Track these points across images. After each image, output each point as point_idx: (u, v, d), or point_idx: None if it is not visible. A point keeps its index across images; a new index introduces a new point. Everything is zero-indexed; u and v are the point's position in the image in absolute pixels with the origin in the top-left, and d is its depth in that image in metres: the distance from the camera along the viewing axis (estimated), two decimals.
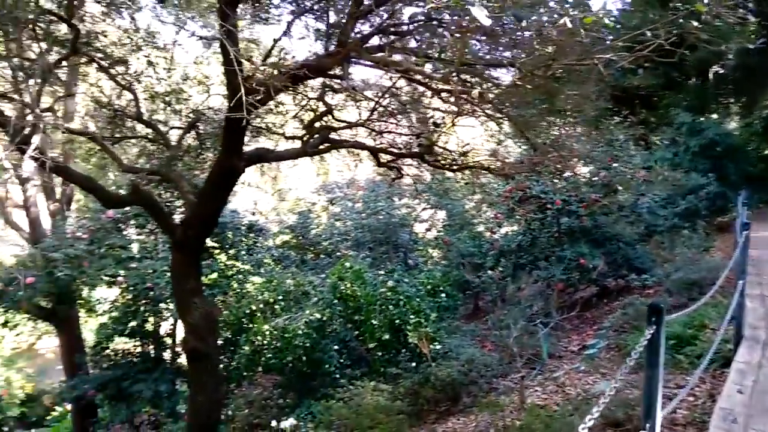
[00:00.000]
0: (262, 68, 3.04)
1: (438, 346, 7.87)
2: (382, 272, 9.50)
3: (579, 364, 7.02)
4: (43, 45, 4.16)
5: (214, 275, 10.38)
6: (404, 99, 4.59)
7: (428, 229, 14.03)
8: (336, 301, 8.65)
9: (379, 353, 8.09)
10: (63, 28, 4.70)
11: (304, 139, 4.50)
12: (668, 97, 20.32)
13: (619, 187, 8.86)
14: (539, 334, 7.54)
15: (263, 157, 4.61)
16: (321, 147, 4.40)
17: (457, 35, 2.74)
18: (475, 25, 2.54)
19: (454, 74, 3.35)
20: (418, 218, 13.65)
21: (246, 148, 4.58)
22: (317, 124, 4.54)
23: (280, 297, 8.78)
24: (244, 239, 11.27)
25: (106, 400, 9.61)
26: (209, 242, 10.98)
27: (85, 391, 9.16)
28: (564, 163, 7.89)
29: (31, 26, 3.42)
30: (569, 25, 3.02)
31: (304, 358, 7.88)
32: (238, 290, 9.95)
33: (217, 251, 10.96)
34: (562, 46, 3.32)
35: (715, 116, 24.37)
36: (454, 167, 4.85)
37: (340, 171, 16.18)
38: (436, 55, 2.82)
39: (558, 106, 5.57)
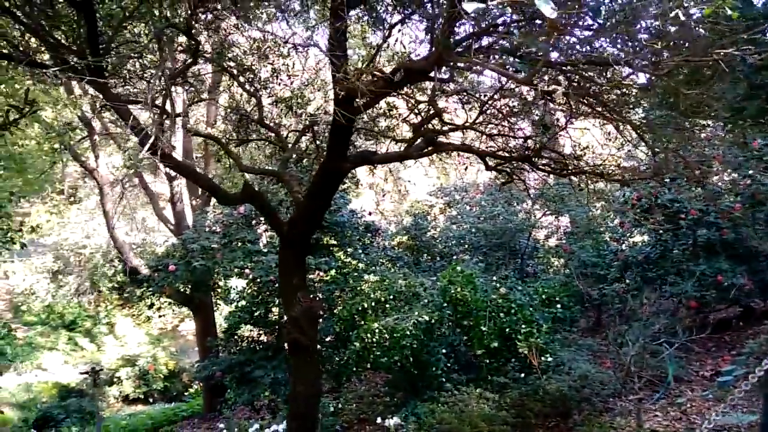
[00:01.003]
0: (361, 73, 3.13)
1: (550, 359, 7.54)
2: (495, 278, 9.29)
3: (709, 391, 6.34)
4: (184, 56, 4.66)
5: (333, 272, 10.87)
6: (515, 101, 4.46)
7: (548, 236, 13.48)
8: (445, 304, 8.63)
9: (487, 360, 7.93)
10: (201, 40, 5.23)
11: (410, 141, 4.56)
12: None
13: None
14: (664, 355, 6.92)
15: (367, 159, 4.74)
16: (426, 150, 4.42)
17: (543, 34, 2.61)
18: (565, 21, 2.40)
19: (542, 74, 3.20)
20: (538, 224, 13.15)
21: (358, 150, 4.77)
22: (426, 127, 4.58)
23: (391, 296, 8.93)
24: (361, 238, 11.64)
25: (233, 382, 10.44)
26: (330, 240, 11.55)
27: (213, 372, 10.02)
28: (693, 170, 7.17)
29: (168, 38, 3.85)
30: (682, 17, 2.75)
31: (412, 358, 7.95)
32: (354, 287, 10.30)
33: (336, 249, 11.44)
34: (678, 42, 3.03)
35: None
36: (565, 172, 4.60)
37: (460, 175, 16.16)
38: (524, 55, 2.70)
39: (682, 106, 5.09)
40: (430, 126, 4.73)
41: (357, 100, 3.35)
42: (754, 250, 8.43)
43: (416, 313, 8.28)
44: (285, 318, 10.84)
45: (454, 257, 11.65)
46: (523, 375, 7.45)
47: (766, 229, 8.26)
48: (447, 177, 20.82)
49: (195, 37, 3.65)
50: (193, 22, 3.45)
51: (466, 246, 12.14)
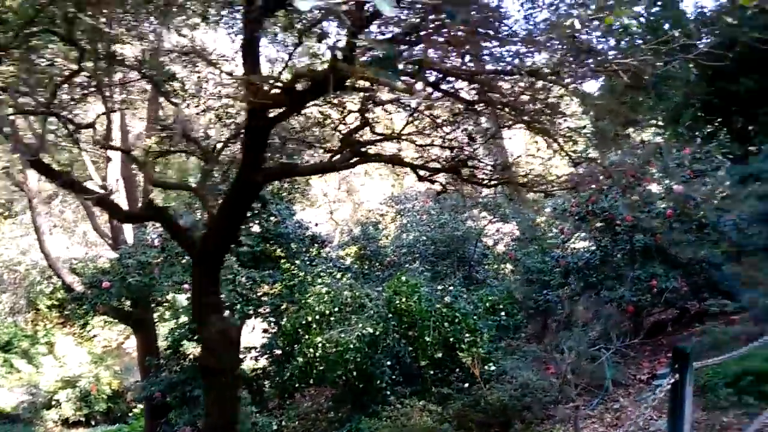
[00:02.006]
0: (262, 84, 3.01)
1: (493, 368, 7.54)
2: (440, 287, 9.27)
3: (646, 395, 6.43)
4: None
5: (278, 285, 10.64)
6: (445, 111, 4.43)
7: (496, 243, 13.60)
8: (391, 315, 8.53)
9: (431, 371, 7.87)
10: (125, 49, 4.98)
11: (336, 152, 4.45)
12: None
13: (698, 204, 8.09)
14: (602, 360, 7.01)
15: (287, 171, 4.60)
16: (352, 161, 4.32)
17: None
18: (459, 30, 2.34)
19: (425, 84, 3.17)
20: (485, 232, 13.25)
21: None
22: (354, 137, 4.48)
23: (337, 309, 8.78)
24: (308, 250, 11.44)
25: (174, 402, 10.02)
26: (276, 252, 11.30)
27: (152, 392, 9.60)
28: (628, 176, 7.35)
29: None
30: (577, 26, 2.74)
31: (356, 372, 7.81)
32: (299, 300, 10.09)
33: (283, 261, 11.20)
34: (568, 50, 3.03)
35: None
36: (492, 183, 4.60)
37: (410, 183, 16.14)
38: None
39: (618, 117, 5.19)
40: (360, 136, 4.65)
41: (270, 110, 3.22)
42: (690, 253, 8.69)
43: (360, 326, 8.15)
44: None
45: (404, 266, 11.58)
46: (466, 385, 7.41)
47: (698, 234, 8.53)
48: (401, 185, 20.82)
49: (77, 42, 3.43)
50: (74, 27, 3.24)
51: (416, 255, 12.10)
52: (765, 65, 16.72)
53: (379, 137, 4.60)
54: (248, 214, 10.88)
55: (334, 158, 4.44)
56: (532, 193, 4.64)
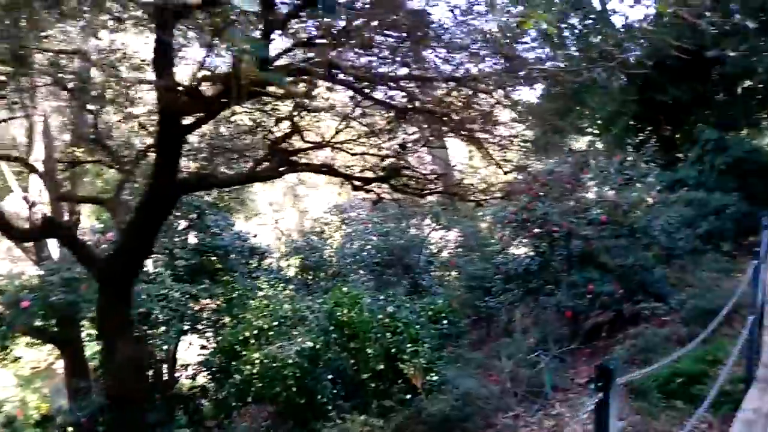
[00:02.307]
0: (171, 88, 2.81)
1: (435, 378, 7.47)
2: (382, 297, 9.15)
3: (583, 399, 6.51)
4: None
5: (218, 299, 10.25)
6: (372, 120, 4.33)
7: (439, 251, 13.64)
8: (332, 327, 8.34)
9: (373, 384, 7.71)
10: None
11: (261, 161, 4.26)
12: (696, 114, 19.58)
13: (629, 209, 8.35)
14: (541, 366, 7.06)
15: (204, 183, 4.37)
16: (280, 170, 4.15)
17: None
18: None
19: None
20: (429, 240, 13.27)
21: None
22: (283, 145, 4.30)
23: (276, 323, 8.50)
24: (247, 262, 11.10)
25: (103, 426, 9.44)
26: (214, 265, 10.88)
27: (78, 418, 9.00)
28: (564, 184, 7.50)
29: None
30: (495, 29, 2.70)
31: (296, 388, 7.56)
32: (237, 315, 9.74)
33: (221, 274, 10.80)
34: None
35: (744, 132, 23.44)
36: (424, 192, 4.53)
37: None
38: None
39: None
40: (292, 144, 4.47)
41: (183, 116, 3.01)
42: (622, 257, 8.94)
43: (300, 340, 7.92)
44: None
45: (349, 276, 11.40)
46: (408, 397, 7.30)
47: (630, 239, 8.79)
48: (347, 194, 20.66)
49: None
50: None
51: (361, 264, 11.95)
52: (689, 76, 17.66)
53: (309, 145, 4.44)
54: (184, 225, 10.45)
55: (259, 167, 4.24)
56: (463, 202, 4.59)
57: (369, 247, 12.01)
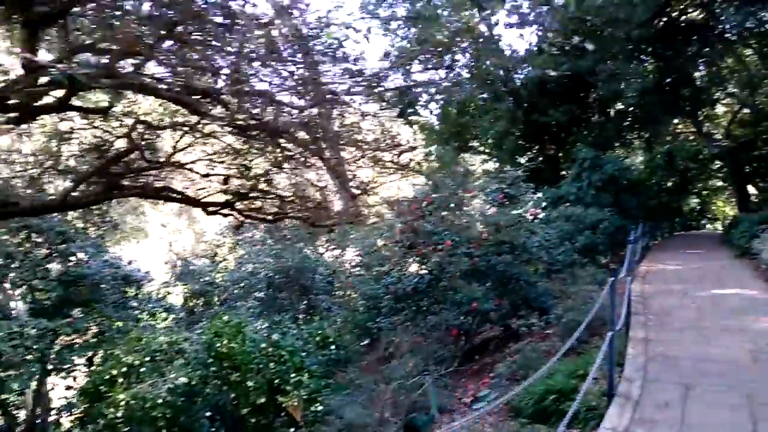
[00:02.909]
0: None
1: (320, 408, 7.14)
2: (265, 324, 8.71)
3: (466, 420, 6.47)
4: None
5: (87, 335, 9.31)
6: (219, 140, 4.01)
7: (334, 271, 13.38)
8: (211, 360, 7.77)
9: (254, 419, 7.24)
10: None
11: (79, 183, 3.78)
12: (575, 134, 21.00)
13: (510, 226, 8.60)
14: (426, 386, 6.97)
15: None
16: (106, 194, 3.70)
17: None
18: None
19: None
20: (323, 261, 12.98)
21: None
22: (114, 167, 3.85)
23: (148, 358, 7.78)
24: (123, 292, 10.20)
25: None
26: (83, 296, 9.87)
27: None
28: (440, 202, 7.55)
29: None
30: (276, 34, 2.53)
31: (167, 429, 6.91)
32: (107, 351, 8.86)
33: (91, 306, 9.82)
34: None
35: (621, 152, 25.51)
36: (274, 218, 4.28)
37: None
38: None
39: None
40: (133, 163, 4.02)
41: None
42: (506, 273, 9.16)
43: (173, 375, 7.29)
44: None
45: (239, 301, 10.80)
46: (291, 431, 6.91)
47: (513, 254, 9.03)
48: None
49: None
50: None
51: (253, 288, 11.38)
52: (568, 99, 18.91)
53: (149, 165, 4.02)
54: (44, 253, 9.46)
55: (76, 192, 3.75)
56: (313, 227, 4.36)
57: (262, 269, 11.48)
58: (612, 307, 4.64)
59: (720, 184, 30.70)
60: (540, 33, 20.88)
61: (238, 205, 3.94)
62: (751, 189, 24.80)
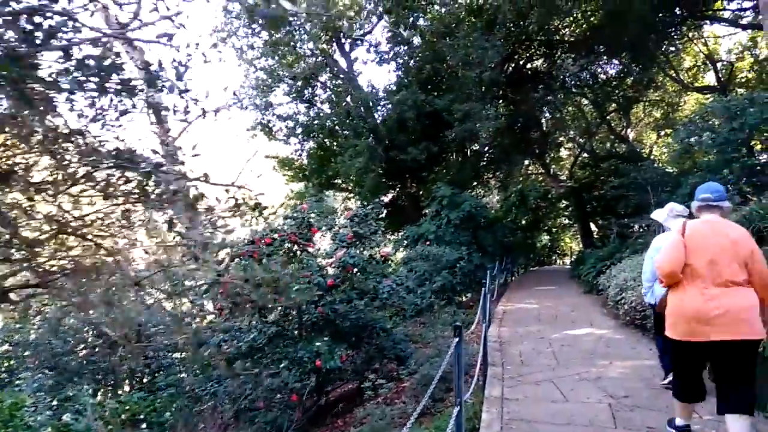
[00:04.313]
0: None
1: None
2: (56, 403, 6.79)
3: None
4: None
5: None
6: None
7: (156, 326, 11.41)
8: None
9: None
10: None
11: None
12: (435, 172, 21.13)
13: (361, 269, 7.67)
14: None
15: None
16: None
17: None
18: None
19: None
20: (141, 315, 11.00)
21: None
22: None
23: None
24: None
25: None
26: None
27: None
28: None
29: None
30: None
31: None
32: None
33: None
34: None
35: (479, 190, 26.38)
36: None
37: None
38: None
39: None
40: None
41: None
42: (358, 322, 8.16)
43: None
44: None
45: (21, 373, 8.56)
46: None
47: (363, 300, 8.08)
48: None
49: None
50: None
51: (43, 355, 9.15)
52: (426, 138, 18.95)
53: None
54: None
55: None
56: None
57: (57, 329, 9.31)
58: (458, 374, 3.74)
59: (567, 221, 33.20)
60: (399, 71, 21.01)
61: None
62: (593, 226, 26.83)
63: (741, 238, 3.42)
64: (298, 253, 7.70)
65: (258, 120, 21.83)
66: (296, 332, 7.95)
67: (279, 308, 7.86)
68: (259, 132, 22.31)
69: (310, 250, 7.95)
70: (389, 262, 8.09)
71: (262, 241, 7.36)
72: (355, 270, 7.55)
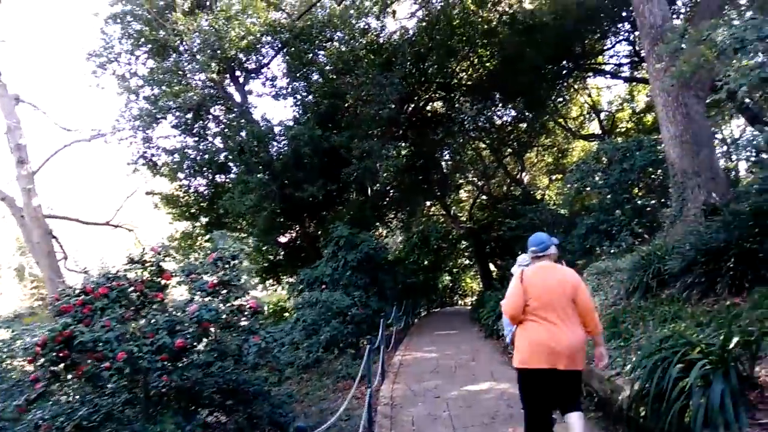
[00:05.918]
0: None
1: None
2: None
3: None
4: None
5: None
6: None
7: None
8: None
9: None
10: None
11: None
12: (334, 211, 20.11)
13: (226, 325, 6.35)
14: None
15: None
16: None
17: None
18: None
19: None
20: None
21: None
22: None
23: None
24: None
25: None
26: None
27: None
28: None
29: None
30: None
31: None
32: None
33: None
34: None
35: (382, 230, 25.66)
36: None
37: None
38: None
39: None
40: None
41: None
42: (226, 387, 6.77)
43: None
44: None
45: None
46: None
47: (231, 360, 6.73)
48: None
49: None
50: None
51: None
52: (324, 175, 17.98)
53: None
54: None
55: None
56: None
57: None
58: None
59: (468, 262, 33.36)
60: (297, 106, 20.04)
61: None
62: (492, 266, 26.96)
63: (567, 278, 4.02)
64: (146, 305, 6.23)
65: (140, 153, 19.82)
66: (140, 406, 6.38)
67: (102, 382, 6.27)
68: (142, 166, 20.27)
69: (164, 301, 6.50)
70: (258, 315, 6.78)
71: (96, 292, 5.86)
72: (212, 327, 6.21)
